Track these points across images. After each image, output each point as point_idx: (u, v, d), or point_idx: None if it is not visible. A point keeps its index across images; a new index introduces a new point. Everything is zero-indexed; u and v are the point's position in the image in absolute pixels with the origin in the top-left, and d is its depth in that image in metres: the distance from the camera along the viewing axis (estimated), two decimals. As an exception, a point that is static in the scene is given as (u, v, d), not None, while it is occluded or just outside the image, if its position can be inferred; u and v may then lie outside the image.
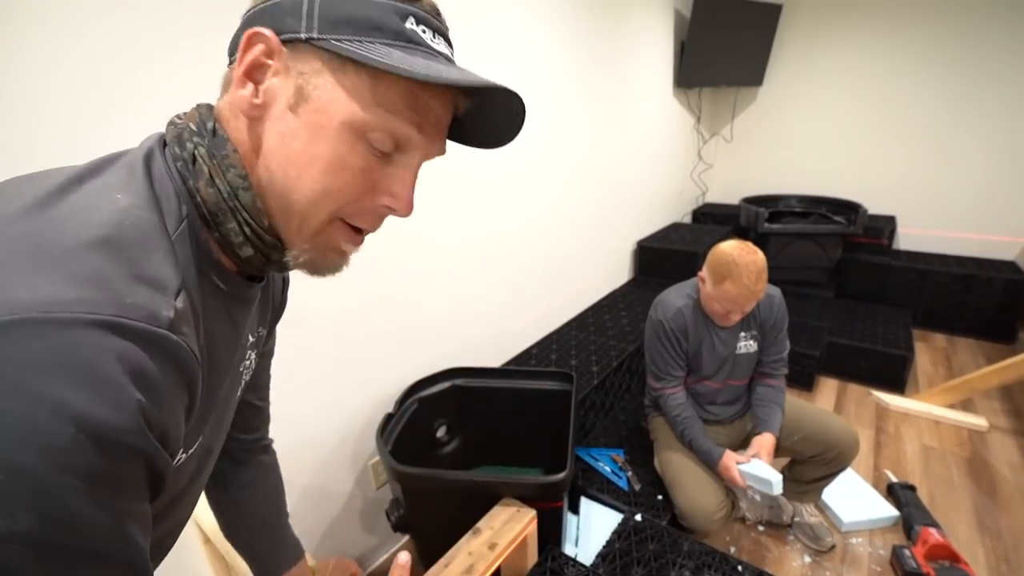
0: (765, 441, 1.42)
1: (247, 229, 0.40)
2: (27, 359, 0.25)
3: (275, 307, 0.59)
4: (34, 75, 0.75)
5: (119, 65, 0.83)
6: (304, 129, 0.38)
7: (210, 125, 0.40)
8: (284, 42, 0.37)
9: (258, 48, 0.37)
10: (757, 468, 1.36)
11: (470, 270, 1.69)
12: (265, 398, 0.69)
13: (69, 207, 0.32)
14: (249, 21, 0.39)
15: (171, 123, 0.41)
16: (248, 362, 0.52)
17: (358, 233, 0.43)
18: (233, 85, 0.39)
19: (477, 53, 1.52)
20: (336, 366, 1.32)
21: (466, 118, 0.45)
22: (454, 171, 1.50)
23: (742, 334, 1.49)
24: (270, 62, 0.38)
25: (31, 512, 0.25)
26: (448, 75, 0.36)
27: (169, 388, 0.32)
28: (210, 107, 0.41)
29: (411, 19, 0.38)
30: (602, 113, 2.31)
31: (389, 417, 1.35)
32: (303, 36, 0.37)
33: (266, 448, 0.73)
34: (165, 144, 0.40)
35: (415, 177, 0.42)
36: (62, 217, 0.31)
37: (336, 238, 0.42)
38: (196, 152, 0.38)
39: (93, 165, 0.36)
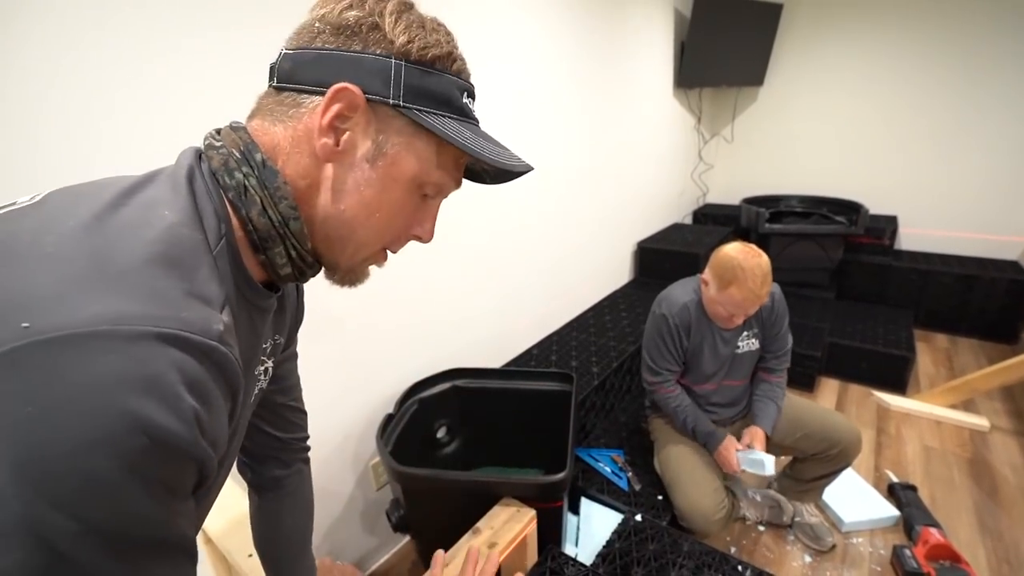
0: (756, 432, 1.43)
1: (293, 252, 0.44)
2: (101, 370, 0.28)
3: (292, 314, 0.62)
4: (37, 74, 0.75)
5: (123, 64, 0.83)
6: (379, 180, 0.43)
7: (258, 157, 0.42)
8: (368, 101, 0.41)
9: (342, 102, 0.40)
10: (751, 452, 1.39)
11: (470, 271, 1.70)
12: (299, 399, 0.73)
13: (122, 222, 0.34)
14: (322, 63, 0.41)
15: (209, 145, 0.42)
16: (264, 368, 0.55)
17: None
18: (315, 131, 0.41)
19: (477, 54, 1.52)
20: (337, 367, 1.33)
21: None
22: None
23: (744, 333, 1.49)
24: (351, 115, 0.41)
25: (106, 510, 0.28)
26: (507, 161, 0.45)
27: (219, 397, 0.34)
28: (246, 130, 0.43)
29: (466, 93, 0.45)
30: (602, 114, 2.31)
31: (389, 418, 1.35)
32: (391, 102, 0.41)
33: (306, 454, 0.76)
34: (200, 158, 0.42)
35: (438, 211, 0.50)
36: (117, 233, 0.33)
37: (377, 261, 0.50)
38: (247, 183, 0.41)
39: (137, 180, 0.38)
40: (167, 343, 0.30)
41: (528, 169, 0.47)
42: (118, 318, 0.29)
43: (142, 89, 0.86)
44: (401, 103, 0.41)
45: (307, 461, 0.76)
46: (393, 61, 0.41)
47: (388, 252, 0.50)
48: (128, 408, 0.28)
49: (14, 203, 0.36)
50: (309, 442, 0.76)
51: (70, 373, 0.27)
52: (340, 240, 0.46)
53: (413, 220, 0.48)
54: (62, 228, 0.32)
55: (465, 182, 0.52)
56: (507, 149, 0.48)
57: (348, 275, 0.49)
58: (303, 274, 0.47)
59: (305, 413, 0.74)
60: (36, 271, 0.30)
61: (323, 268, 0.48)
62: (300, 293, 0.64)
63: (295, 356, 0.69)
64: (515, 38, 1.68)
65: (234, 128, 0.43)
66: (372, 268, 0.51)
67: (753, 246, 1.37)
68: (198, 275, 0.36)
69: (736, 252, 1.34)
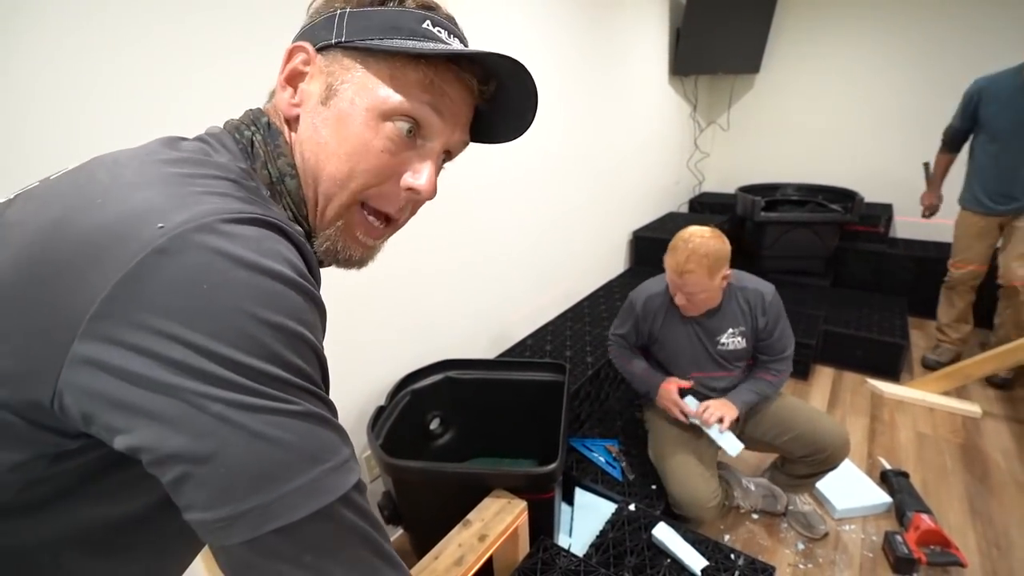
0: (727, 406, 1.44)
1: (290, 214, 0.44)
2: (242, 245, 0.32)
3: None
4: (61, 73, 0.74)
5: (141, 65, 0.82)
6: (333, 118, 0.43)
7: (264, 120, 0.45)
8: (318, 50, 0.44)
9: (298, 58, 0.44)
10: (722, 436, 1.42)
11: (464, 260, 1.68)
12: None
13: (184, 160, 0.38)
14: (302, 37, 0.46)
15: (227, 122, 0.46)
16: None
17: (380, 222, 0.46)
18: (277, 91, 0.46)
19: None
20: (327, 358, 1.32)
21: (487, 112, 0.49)
22: (448, 163, 1.49)
23: (730, 330, 1.47)
24: (307, 69, 0.44)
25: (290, 350, 0.33)
26: (445, 49, 0.41)
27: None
28: (260, 109, 0.47)
29: (428, 22, 0.43)
30: (597, 101, 2.28)
31: (381, 410, 1.35)
32: (333, 41, 0.43)
33: None
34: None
35: (437, 162, 0.46)
36: (185, 165, 0.37)
37: (355, 226, 0.45)
38: (254, 139, 0.44)
39: (165, 140, 0.40)
40: (275, 229, 0.35)
41: (487, 53, 0.42)
42: (233, 210, 0.33)
43: (161, 93, 0.85)
44: (344, 39, 0.42)
45: None
46: (339, 11, 0.43)
47: (384, 221, 0.46)
48: (275, 270, 0.33)
49: (65, 168, 0.39)
50: None
51: (220, 251, 0.31)
52: (313, 195, 0.45)
53: (395, 165, 0.44)
54: (133, 166, 0.35)
55: (460, 158, 0.50)
56: (480, 50, 0.43)
57: (329, 243, 0.46)
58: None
59: None
60: (137, 194, 0.33)
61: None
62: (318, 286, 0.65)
63: None
64: (508, 25, 1.65)
65: (248, 110, 0.47)
66: (372, 250, 0.48)
67: (716, 230, 1.39)
68: (263, 196, 0.40)
69: (692, 228, 1.39)
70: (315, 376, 0.35)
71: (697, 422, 1.44)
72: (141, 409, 0.30)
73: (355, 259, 0.47)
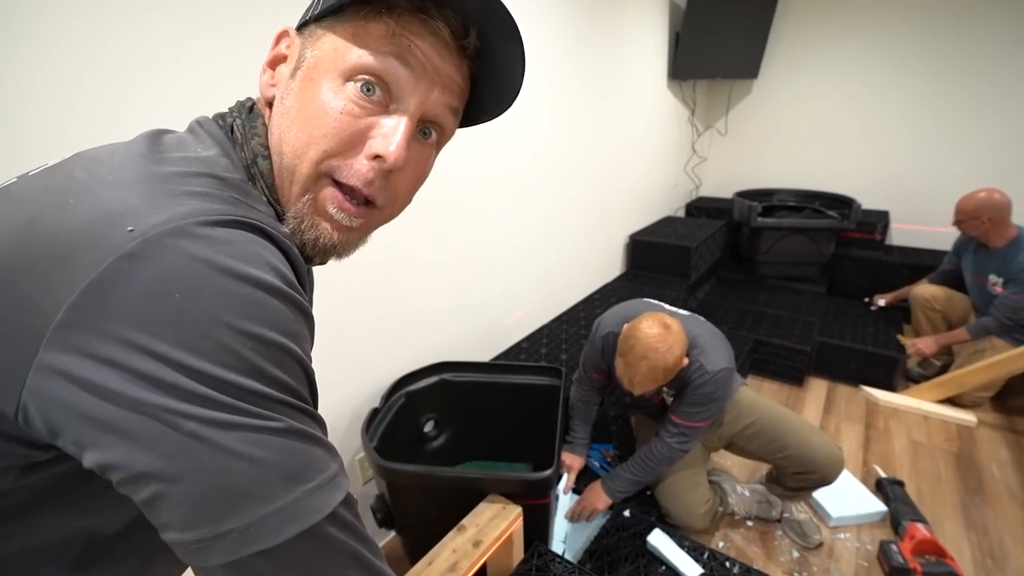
0: (597, 500, 1.44)
1: (265, 197, 0.42)
2: (218, 250, 0.30)
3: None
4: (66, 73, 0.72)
5: (144, 67, 0.80)
6: (298, 87, 0.41)
7: (248, 105, 0.45)
8: (298, 31, 0.44)
9: (283, 43, 0.44)
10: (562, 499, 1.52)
11: (459, 262, 1.67)
12: None
13: (165, 157, 0.36)
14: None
15: (216, 112, 0.46)
16: None
17: (350, 201, 0.42)
18: (260, 75, 0.45)
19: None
20: (321, 360, 1.29)
21: (481, 81, 0.46)
22: (444, 162, 1.47)
23: (665, 389, 1.44)
24: (288, 51, 0.44)
25: (272, 363, 0.31)
26: None
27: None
28: (250, 97, 0.47)
29: None
30: (595, 104, 2.28)
31: (375, 412, 1.33)
32: (308, 17, 0.42)
33: None
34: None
35: (410, 124, 0.41)
36: (165, 163, 0.36)
37: (324, 200, 0.42)
38: (234, 124, 0.44)
39: (150, 134, 0.39)
40: (259, 232, 0.34)
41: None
42: (212, 211, 0.32)
43: (167, 92, 0.82)
44: (317, 12, 0.41)
45: None
46: None
47: (354, 197, 0.42)
48: (256, 277, 0.31)
49: (45, 164, 0.37)
50: None
51: (195, 257, 0.29)
52: (280, 172, 0.42)
53: (359, 130, 0.40)
54: (112, 163, 0.34)
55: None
56: None
57: (297, 223, 0.42)
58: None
59: None
60: (111, 194, 0.31)
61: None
62: (312, 280, 0.63)
63: None
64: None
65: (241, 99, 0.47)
66: (353, 244, 0.46)
67: (673, 330, 1.23)
68: (248, 194, 0.39)
69: (645, 331, 1.23)
70: (300, 390, 0.34)
71: (560, 490, 1.53)
72: (109, 425, 0.28)
73: (331, 243, 0.43)
